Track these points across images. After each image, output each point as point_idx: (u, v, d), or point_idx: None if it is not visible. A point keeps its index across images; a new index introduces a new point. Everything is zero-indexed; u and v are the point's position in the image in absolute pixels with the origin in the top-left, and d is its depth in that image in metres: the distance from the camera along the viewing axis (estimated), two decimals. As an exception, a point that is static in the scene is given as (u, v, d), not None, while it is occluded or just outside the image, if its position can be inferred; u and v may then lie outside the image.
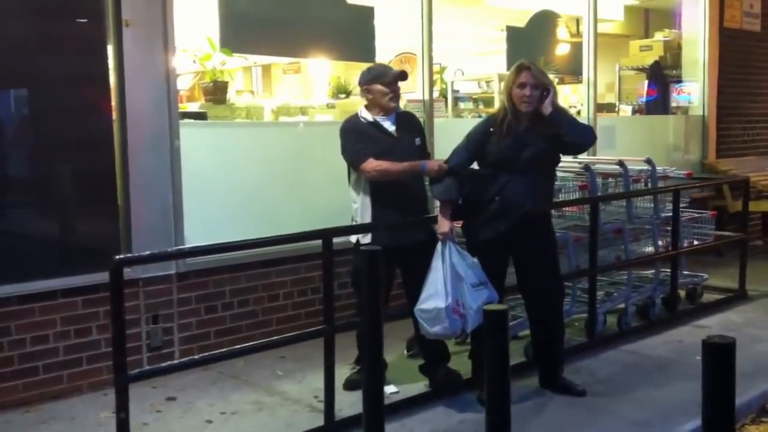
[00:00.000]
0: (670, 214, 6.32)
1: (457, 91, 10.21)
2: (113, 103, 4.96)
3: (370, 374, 3.55)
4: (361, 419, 3.57)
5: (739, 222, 7.62)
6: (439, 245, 4.40)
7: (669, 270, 6.43)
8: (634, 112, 10.02)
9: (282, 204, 5.82)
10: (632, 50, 10.06)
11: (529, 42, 8.14)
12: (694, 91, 9.52)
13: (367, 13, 6.49)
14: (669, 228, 6.38)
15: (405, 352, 5.42)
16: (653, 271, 6.46)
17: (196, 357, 4.59)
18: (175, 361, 4.94)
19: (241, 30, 5.86)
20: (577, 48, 8.40)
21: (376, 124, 4.71)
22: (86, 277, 4.76)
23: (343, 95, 8.81)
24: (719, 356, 2.34)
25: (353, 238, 4.74)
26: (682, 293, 6.70)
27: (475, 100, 10.29)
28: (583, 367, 5.16)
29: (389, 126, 4.72)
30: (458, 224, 4.75)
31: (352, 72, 8.84)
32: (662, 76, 9.56)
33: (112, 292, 3.52)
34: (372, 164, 4.55)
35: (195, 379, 4.95)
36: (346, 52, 6.81)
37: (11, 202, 4.82)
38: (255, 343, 4.70)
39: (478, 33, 9.62)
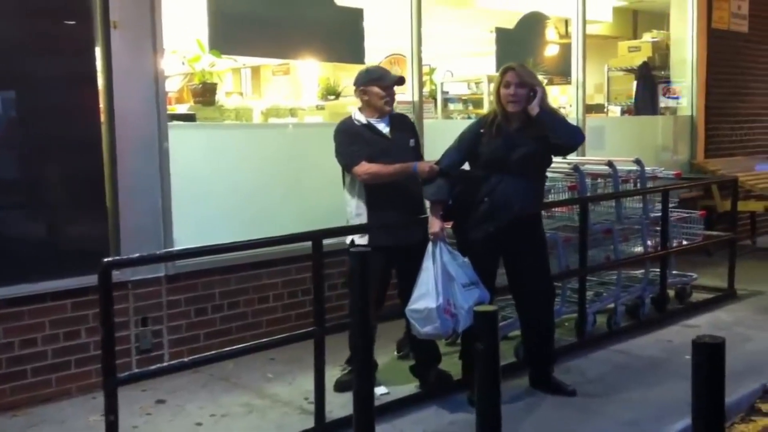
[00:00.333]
0: (660, 214, 6.34)
1: (447, 93, 10.21)
2: (101, 104, 4.95)
3: (361, 375, 3.54)
4: (351, 421, 3.56)
5: (728, 222, 7.66)
6: (429, 245, 4.40)
7: (658, 270, 6.44)
8: (622, 112, 10.05)
9: (272, 206, 5.81)
10: (621, 51, 10.10)
11: (518, 43, 8.15)
12: (683, 91, 9.56)
13: (357, 14, 6.48)
14: (658, 228, 6.40)
15: (395, 353, 5.42)
16: (643, 270, 6.48)
17: (185, 359, 4.58)
18: (165, 364, 4.93)
19: (230, 31, 5.84)
20: (566, 49, 8.43)
21: (370, 127, 4.71)
22: (75, 280, 4.74)
23: (333, 97, 8.80)
24: (709, 356, 2.35)
25: (348, 239, 4.72)
26: (671, 293, 6.72)
27: (465, 102, 10.29)
28: (573, 367, 5.17)
29: (383, 128, 4.72)
30: (450, 225, 4.75)
31: (342, 73, 8.84)
32: (651, 77, 9.60)
33: (100, 294, 3.50)
34: (363, 168, 4.55)
35: (185, 381, 4.93)
36: (335, 54, 6.81)
37: (-1, 205, 4.80)
38: (245, 345, 4.69)
39: (468, 34, 9.64)
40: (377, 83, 4.67)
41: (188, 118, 6.13)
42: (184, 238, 5.15)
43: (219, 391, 4.91)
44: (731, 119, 9.97)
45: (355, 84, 4.83)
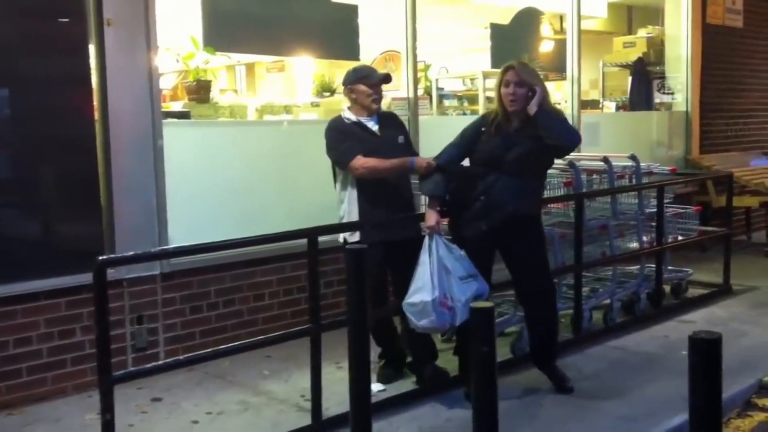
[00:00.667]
0: (655, 209, 6.34)
1: (442, 89, 10.18)
2: (95, 102, 4.93)
3: (357, 373, 3.53)
4: (348, 418, 3.56)
5: (723, 217, 7.67)
6: (426, 239, 4.41)
7: (654, 265, 6.45)
8: (618, 108, 10.06)
9: (267, 203, 5.80)
10: (616, 47, 10.10)
11: (513, 39, 8.15)
12: (678, 87, 9.57)
13: (352, 11, 6.47)
14: (653, 224, 6.40)
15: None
16: (638, 266, 6.48)
17: (181, 357, 4.57)
18: (161, 362, 4.91)
19: (225, 28, 5.83)
20: (561, 45, 8.42)
21: (359, 124, 4.73)
22: (70, 279, 4.72)
23: (328, 93, 8.78)
24: (706, 352, 2.34)
25: (341, 238, 4.73)
26: (667, 288, 6.74)
27: (460, 98, 10.27)
28: (569, 363, 5.17)
29: (372, 126, 4.75)
30: (445, 221, 4.76)
31: (337, 70, 8.82)
32: (646, 73, 9.60)
33: (95, 293, 3.49)
34: (360, 161, 4.57)
35: (181, 379, 4.92)
36: (330, 51, 6.80)
37: (-7, 204, 4.78)
38: (240, 342, 4.68)
39: (462, 31, 9.62)
40: (364, 81, 4.70)
41: (183, 115, 6.11)
42: (178, 236, 5.14)
43: (215, 389, 4.90)
44: (726, 115, 9.98)
45: (343, 83, 4.87)
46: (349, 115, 4.77)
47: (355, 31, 6.47)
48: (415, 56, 6.65)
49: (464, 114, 9.22)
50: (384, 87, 4.83)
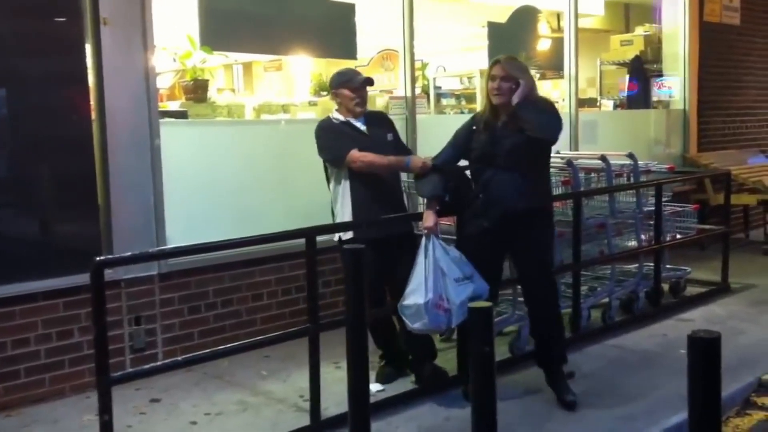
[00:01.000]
0: (653, 208, 6.34)
1: (440, 88, 10.19)
2: (92, 102, 4.92)
3: (355, 373, 3.52)
4: (346, 418, 3.55)
5: (721, 215, 7.67)
6: (423, 240, 4.40)
7: (652, 264, 6.44)
8: (615, 106, 10.04)
9: (265, 202, 5.79)
10: (613, 45, 10.09)
11: (510, 38, 8.14)
12: (675, 85, 9.57)
13: (349, 9, 6.46)
14: (652, 222, 6.40)
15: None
16: (636, 265, 6.49)
17: (179, 358, 4.57)
18: (159, 363, 4.90)
19: (222, 27, 5.82)
20: (558, 43, 8.41)
21: (348, 124, 4.79)
22: (67, 279, 4.71)
23: (325, 93, 8.75)
24: (705, 351, 2.34)
25: (336, 236, 4.75)
26: (665, 287, 6.73)
27: (458, 97, 10.27)
28: (568, 362, 5.16)
29: (360, 126, 4.80)
30: (446, 221, 4.75)
31: (334, 69, 8.79)
32: (643, 71, 9.60)
33: (92, 293, 3.48)
34: (357, 154, 4.61)
35: (179, 380, 4.91)
36: (327, 50, 6.79)
37: (-10, 204, 4.77)
38: (239, 343, 4.67)
39: (460, 29, 9.61)
40: (347, 85, 4.76)
41: (180, 115, 6.11)
42: (176, 236, 5.13)
43: (213, 390, 4.89)
44: (723, 113, 9.98)
45: (329, 87, 4.95)
46: (338, 116, 4.83)
47: (353, 29, 6.46)
48: (412, 55, 6.64)
49: (462, 113, 9.22)
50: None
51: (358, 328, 3.53)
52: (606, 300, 6.12)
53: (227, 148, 5.70)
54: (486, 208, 4.43)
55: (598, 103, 10.17)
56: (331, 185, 4.84)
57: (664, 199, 6.42)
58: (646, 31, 9.82)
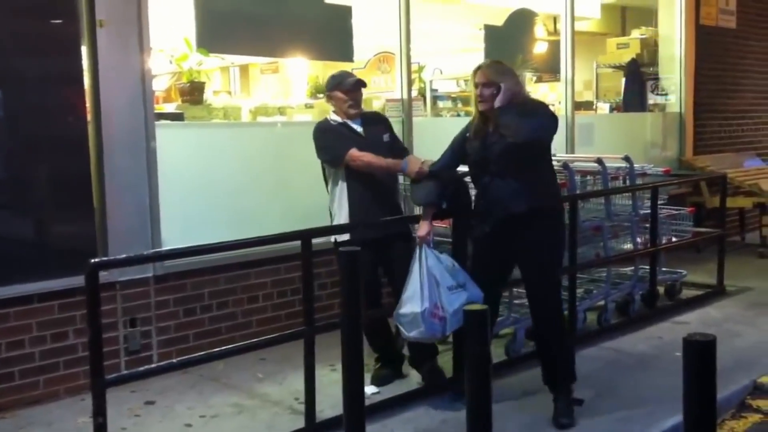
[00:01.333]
0: (649, 211, 6.34)
1: (436, 90, 10.18)
2: (88, 104, 4.91)
3: (351, 375, 3.52)
4: (342, 420, 3.55)
5: (717, 218, 7.68)
6: (417, 249, 4.40)
7: (648, 267, 6.45)
8: (611, 109, 10.06)
9: (261, 205, 5.78)
10: (609, 48, 10.11)
11: (506, 41, 8.15)
12: (671, 88, 9.58)
13: (345, 12, 6.46)
14: (647, 225, 6.40)
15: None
16: (632, 268, 6.48)
17: (174, 360, 4.56)
18: (154, 365, 4.90)
19: (218, 29, 5.81)
20: (554, 46, 8.42)
21: (345, 126, 4.81)
22: (62, 281, 4.70)
23: (322, 95, 8.75)
24: (700, 353, 2.34)
25: (332, 237, 4.77)
26: (661, 290, 6.73)
27: (454, 99, 10.27)
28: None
29: (357, 127, 4.83)
30: (442, 224, 4.74)
31: (331, 72, 8.79)
32: (639, 74, 9.61)
33: (87, 296, 3.47)
34: (356, 153, 4.65)
35: (174, 382, 4.91)
36: (324, 52, 6.79)
37: (-16, 206, 4.76)
38: (235, 345, 4.67)
39: (457, 31, 9.62)
40: (339, 88, 4.79)
41: (176, 117, 6.10)
42: (172, 238, 5.12)
43: (209, 392, 4.88)
44: (720, 116, 9.99)
45: (324, 90, 4.99)
46: (335, 117, 4.86)
47: (349, 32, 6.46)
48: (408, 57, 6.64)
49: (458, 115, 9.21)
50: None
51: (354, 330, 3.53)
52: (602, 302, 6.12)
53: (223, 151, 5.70)
54: (486, 212, 4.44)
55: (594, 106, 10.19)
56: (329, 186, 4.86)
57: (659, 202, 6.43)
58: (642, 35, 9.84)
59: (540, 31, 8.89)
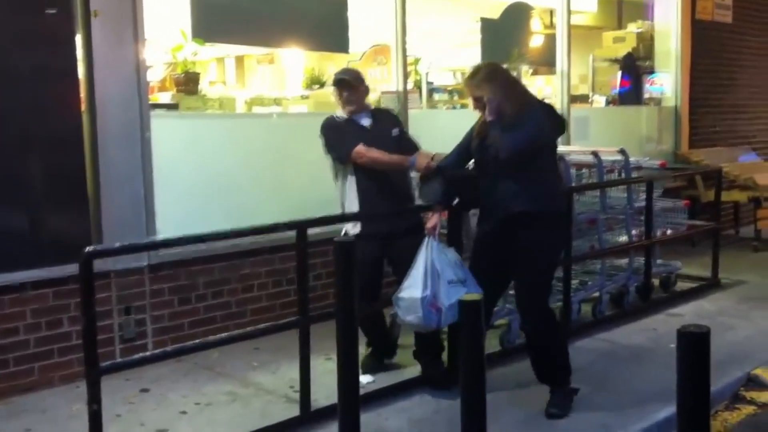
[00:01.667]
0: (644, 203, 6.36)
1: (432, 83, 10.17)
2: (82, 94, 4.90)
3: (345, 364, 3.53)
4: (336, 409, 3.55)
5: (712, 211, 7.70)
6: (425, 239, 4.43)
7: (643, 259, 6.46)
8: (607, 103, 10.06)
9: (255, 195, 5.78)
10: (605, 42, 10.10)
11: (502, 34, 8.14)
12: (667, 82, 9.59)
13: (341, 3, 6.44)
14: (642, 218, 6.42)
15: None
16: (627, 260, 6.50)
17: (169, 348, 4.55)
18: (148, 353, 4.89)
19: (213, 19, 5.79)
20: (550, 40, 8.42)
21: (350, 121, 4.84)
22: (56, 269, 4.70)
23: (317, 86, 8.75)
24: (694, 345, 2.35)
25: (342, 230, 4.81)
26: (655, 282, 6.75)
27: (450, 92, 10.26)
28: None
29: (364, 122, 4.86)
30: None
31: (327, 63, 8.80)
32: (635, 68, 9.61)
33: (81, 284, 3.47)
34: (363, 150, 4.68)
35: (168, 370, 4.91)
36: (320, 43, 6.77)
37: (-21, 195, 4.74)
38: (229, 334, 4.67)
39: (452, 25, 9.60)
40: (333, 86, 4.90)
41: (171, 107, 6.09)
42: (167, 229, 5.11)
43: (203, 380, 4.89)
44: (715, 110, 10.00)
45: None
46: (341, 113, 4.88)
47: (345, 23, 6.45)
48: (404, 50, 6.64)
49: (454, 108, 9.21)
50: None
51: (349, 320, 3.53)
52: (597, 294, 6.14)
53: (218, 141, 5.69)
54: (488, 212, 4.45)
55: (590, 100, 10.18)
56: (338, 182, 4.87)
57: (655, 195, 6.44)
58: (638, 29, 9.84)
59: (536, 24, 8.88)
